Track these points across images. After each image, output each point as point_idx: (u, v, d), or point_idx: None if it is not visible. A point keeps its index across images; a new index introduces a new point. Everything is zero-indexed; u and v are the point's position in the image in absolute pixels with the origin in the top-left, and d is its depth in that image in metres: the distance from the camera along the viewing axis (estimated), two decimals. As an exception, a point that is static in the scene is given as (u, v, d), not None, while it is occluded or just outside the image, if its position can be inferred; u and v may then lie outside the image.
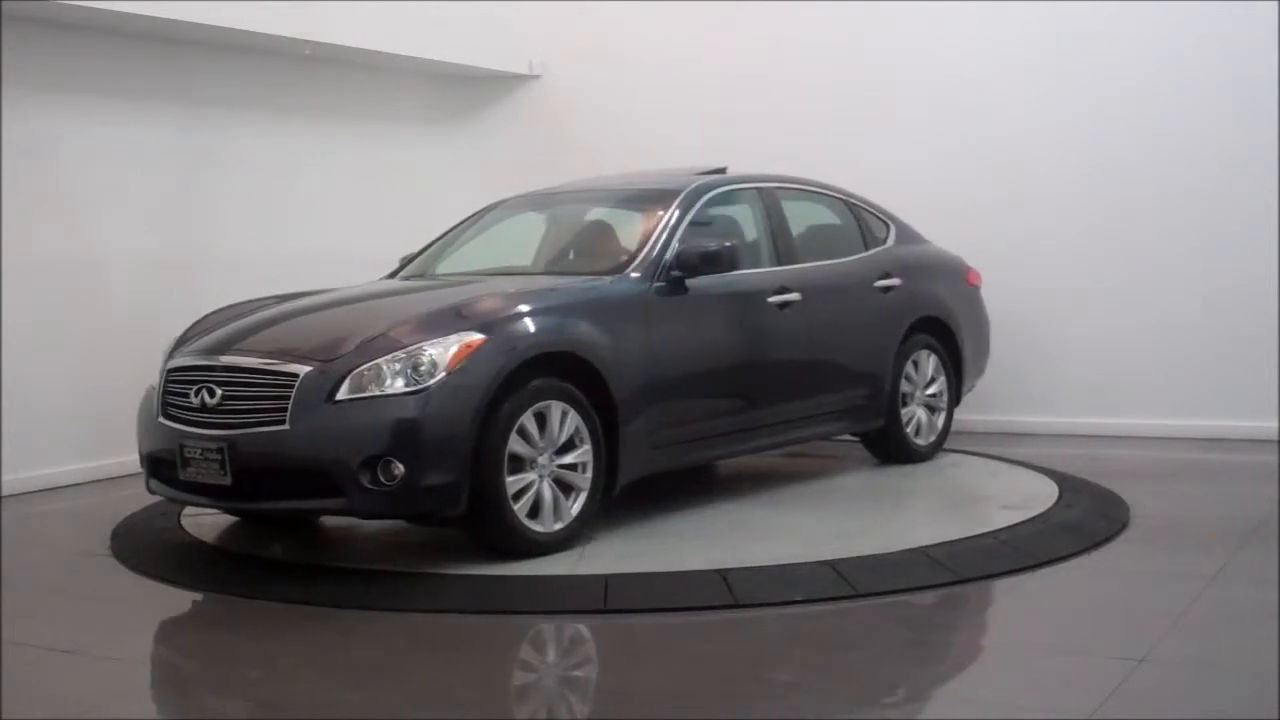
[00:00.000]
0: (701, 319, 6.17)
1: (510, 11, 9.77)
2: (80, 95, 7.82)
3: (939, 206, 8.02)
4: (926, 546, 5.37)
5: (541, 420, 5.36)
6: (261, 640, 4.73)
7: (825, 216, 7.33)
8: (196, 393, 5.41)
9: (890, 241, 7.40)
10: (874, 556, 5.28)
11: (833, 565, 5.13)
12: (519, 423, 5.24)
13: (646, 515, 6.11)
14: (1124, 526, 5.85)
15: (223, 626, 4.90)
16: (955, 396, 7.54)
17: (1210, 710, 3.79)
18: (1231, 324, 7.97)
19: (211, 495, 5.42)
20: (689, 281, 6.07)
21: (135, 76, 8.07)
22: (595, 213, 6.96)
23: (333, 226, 9.01)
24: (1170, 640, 4.35)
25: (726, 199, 6.77)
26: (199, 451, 5.31)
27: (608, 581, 5.01)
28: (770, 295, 6.45)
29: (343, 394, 5.10)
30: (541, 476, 5.36)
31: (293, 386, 5.16)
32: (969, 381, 7.66)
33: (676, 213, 6.27)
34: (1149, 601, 4.89)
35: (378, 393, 5.09)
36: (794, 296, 6.52)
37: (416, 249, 7.21)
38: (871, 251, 7.24)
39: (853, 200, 7.39)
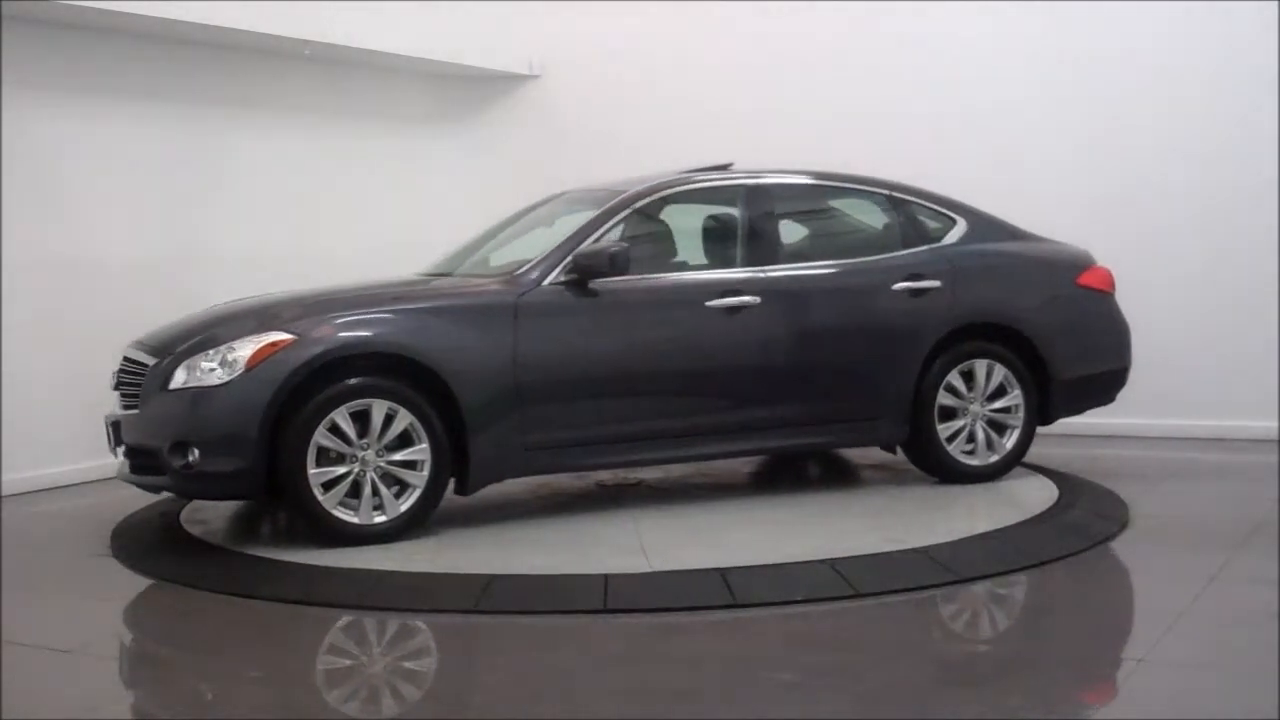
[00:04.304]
0: (605, 323, 6.08)
1: (510, 11, 9.77)
2: (80, 95, 7.82)
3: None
4: (926, 547, 5.37)
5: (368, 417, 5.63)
6: (262, 640, 4.73)
7: (845, 214, 7.01)
8: (113, 378, 6.14)
9: (952, 238, 6.77)
10: (874, 556, 5.28)
11: (833, 565, 5.13)
12: (330, 419, 5.54)
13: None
14: (1124, 526, 5.85)
15: (223, 626, 4.89)
16: (1040, 413, 6.75)
17: (1210, 710, 3.79)
18: (1231, 324, 7.98)
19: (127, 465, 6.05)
20: (597, 284, 6.02)
21: (135, 76, 8.07)
22: (565, 215, 6.79)
23: (333, 226, 9.01)
24: (1170, 640, 4.35)
25: (689, 199, 6.66)
26: (110, 427, 6.06)
27: (608, 581, 5.01)
28: (712, 299, 6.21)
29: (173, 384, 5.67)
30: (364, 470, 5.60)
31: (144, 376, 5.80)
32: (1068, 396, 6.79)
33: (596, 216, 6.25)
34: (1149, 601, 4.89)
35: (192, 384, 5.62)
36: (748, 300, 6.24)
37: (413, 248, 7.19)
38: (903, 251, 6.64)
39: (898, 194, 6.83)
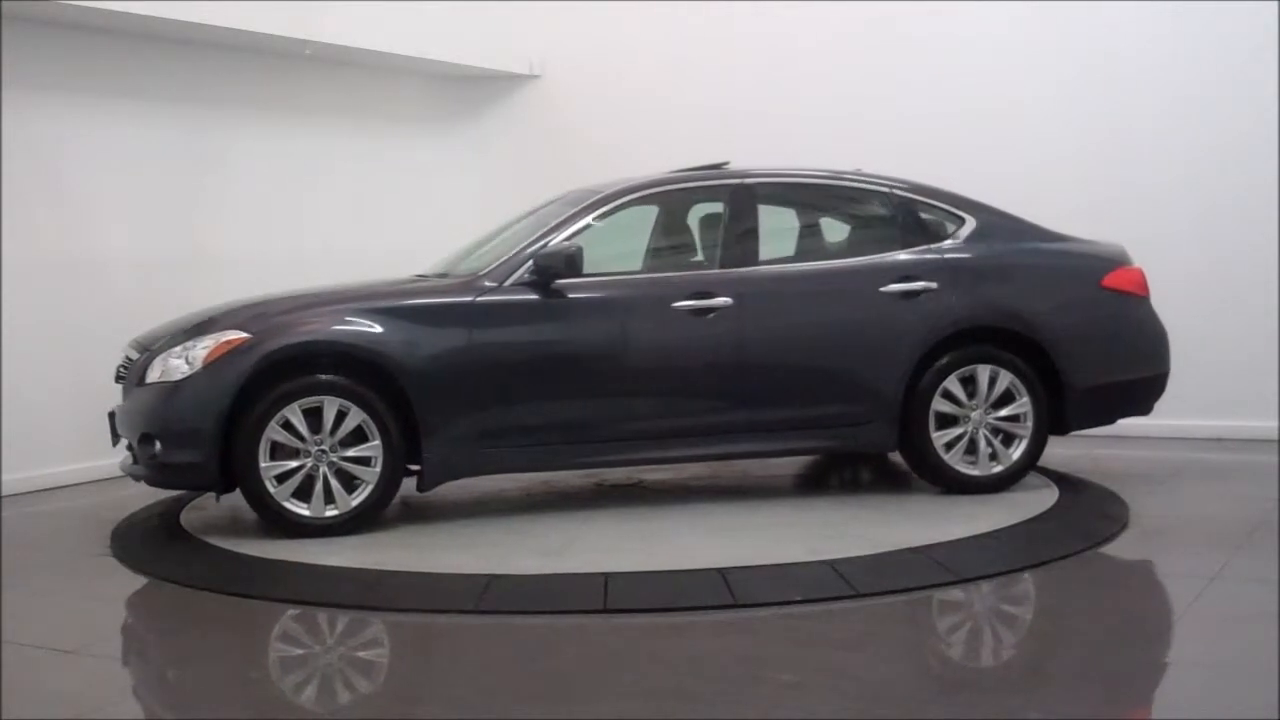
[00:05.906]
0: (564, 323, 6.08)
1: (510, 11, 9.76)
2: (80, 95, 7.82)
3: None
4: (926, 546, 5.37)
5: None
6: (262, 640, 4.73)
7: (838, 213, 6.85)
8: (116, 372, 6.35)
9: (959, 238, 6.49)
10: (874, 556, 5.28)
11: (833, 565, 5.13)
12: (282, 415, 5.74)
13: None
14: (1124, 526, 5.85)
15: (223, 626, 4.89)
16: (1051, 422, 6.41)
17: (1210, 710, 3.79)
18: (1231, 324, 7.97)
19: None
20: (561, 285, 6.02)
21: (135, 76, 8.07)
22: (548, 216, 6.63)
23: (332, 226, 9.01)
24: (1170, 640, 4.34)
25: (671, 199, 6.63)
26: (109, 419, 6.32)
27: (607, 580, 5.01)
28: (679, 300, 6.12)
29: (148, 379, 5.90)
30: (318, 465, 5.79)
31: (130, 370, 6.09)
32: (1089, 405, 6.46)
33: (565, 217, 6.27)
34: (1148, 602, 4.88)
35: (160, 380, 5.84)
36: (720, 301, 6.13)
37: (406, 247, 7.20)
38: (899, 251, 6.41)
39: (900, 192, 6.59)
